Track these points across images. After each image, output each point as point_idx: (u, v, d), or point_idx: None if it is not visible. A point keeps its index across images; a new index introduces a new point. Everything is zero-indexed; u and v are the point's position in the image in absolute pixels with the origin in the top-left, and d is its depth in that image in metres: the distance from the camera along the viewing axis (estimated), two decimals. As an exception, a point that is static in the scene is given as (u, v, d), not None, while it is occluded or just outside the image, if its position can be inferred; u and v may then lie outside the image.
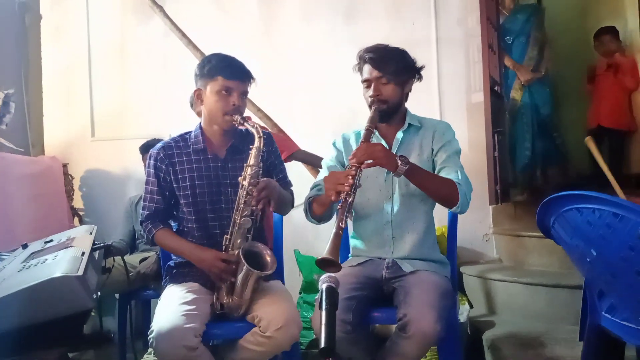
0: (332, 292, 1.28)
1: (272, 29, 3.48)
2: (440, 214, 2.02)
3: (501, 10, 3.61)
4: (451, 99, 3.29)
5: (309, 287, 3.03)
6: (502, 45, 3.53)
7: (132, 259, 2.64)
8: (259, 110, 3.06)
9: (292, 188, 2.07)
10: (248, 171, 1.79)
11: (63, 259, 1.27)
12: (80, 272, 1.15)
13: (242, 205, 1.78)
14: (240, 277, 1.74)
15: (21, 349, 1.14)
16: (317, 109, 3.38)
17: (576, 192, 1.51)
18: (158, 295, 2.22)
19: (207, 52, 3.03)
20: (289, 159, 2.59)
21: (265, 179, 1.80)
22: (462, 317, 2.55)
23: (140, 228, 2.82)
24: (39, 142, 3.49)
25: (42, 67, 3.56)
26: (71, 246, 1.40)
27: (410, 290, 1.71)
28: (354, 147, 1.96)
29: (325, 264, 1.45)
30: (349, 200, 1.61)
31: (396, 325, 1.67)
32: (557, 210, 1.59)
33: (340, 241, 1.53)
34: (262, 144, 1.81)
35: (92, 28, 3.58)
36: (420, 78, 1.96)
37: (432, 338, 1.59)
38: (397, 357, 1.65)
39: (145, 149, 2.87)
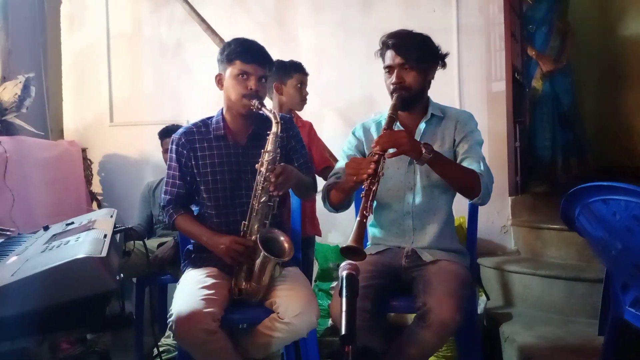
0: (352, 280, 1.27)
1: (287, 17, 3.45)
2: (459, 205, 2.00)
3: (525, -1, 3.54)
4: (471, 87, 3.25)
5: (324, 275, 3.04)
6: (524, 35, 3.47)
7: (150, 243, 2.66)
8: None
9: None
10: (265, 157, 1.78)
11: (85, 240, 1.27)
12: (104, 254, 1.15)
13: (259, 192, 1.78)
14: (257, 263, 1.74)
15: (44, 328, 1.15)
16: (331, 98, 3.35)
17: (603, 183, 1.48)
18: (175, 280, 2.24)
19: (224, 39, 3.04)
20: (324, 171, 2.58)
21: (281, 164, 1.79)
22: (479, 309, 2.54)
23: (157, 213, 2.86)
24: (58, 126, 3.52)
25: (61, 52, 3.58)
26: (93, 228, 1.41)
27: (430, 279, 1.70)
28: (375, 136, 1.94)
29: (349, 252, 1.44)
30: (373, 189, 1.59)
31: (415, 314, 1.66)
32: (582, 201, 1.57)
33: (365, 229, 1.52)
34: (279, 130, 1.79)
35: (111, 13, 3.58)
36: (444, 65, 1.92)
37: (451, 327, 1.58)
38: (416, 346, 1.64)
39: (163, 134, 2.88)
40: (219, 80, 1.90)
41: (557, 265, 2.74)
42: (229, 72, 1.85)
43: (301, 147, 2.00)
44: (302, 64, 2.56)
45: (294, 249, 1.78)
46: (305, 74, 2.56)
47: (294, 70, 2.51)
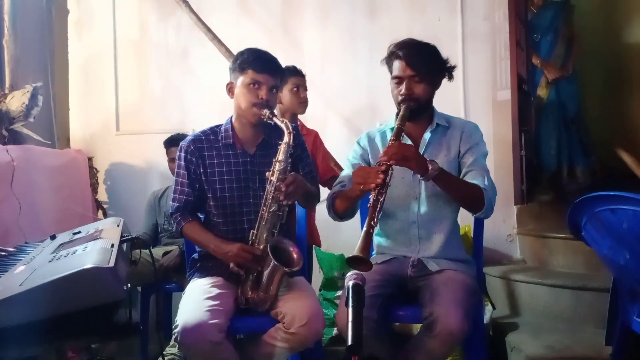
0: (359, 290, 1.27)
1: (293, 25, 3.47)
2: (464, 213, 2.00)
3: (529, 7, 3.55)
4: (476, 95, 3.24)
5: (329, 284, 3.03)
6: (529, 43, 3.47)
7: (155, 252, 2.66)
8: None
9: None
10: (276, 167, 1.78)
11: (93, 250, 1.28)
12: (112, 264, 1.15)
13: (269, 201, 1.78)
14: (266, 272, 1.74)
15: (52, 337, 1.15)
16: (336, 104, 3.36)
17: (610, 193, 1.48)
18: (180, 289, 2.24)
19: (230, 49, 3.06)
20: (329, 181, 2.57)
21: (292, 173, 1.79)
22: (485, 318, 2.52)
23: (163, 222, 2.87)
24: (65, 135, 3.54)
25: (68, 61, 3.60)
26: (100, 238, 1.41)
27: (437, 288, 1.69)
28: (380, 146, 1.95)
29: (356, 262, 1.43)
30: (381, 199, 1.59)
31: (422, 324, 1.66)
32: (589, 210, 1.56)
33: (371, 240, 1.51)
34: (291, 140, 1.80)
35: (118, 22, 3.60)
36: (451, 78, 1.93)
37: (459, 336, 1.57)
38: (423, 355, 1.63)
39: (169, 143, 2.89)
40: (230, 89, 1.91)
41: (563, 274, 2.72)
42: (241, 80, 1.85)
43: (306, 156, 2.01)
44: (296, 67, 2.52)
45: (302, 259, 1.78)
46: (301, 76, 2.53)
47: (289, 74, 2.48)
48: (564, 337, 2.38)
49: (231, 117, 1.95)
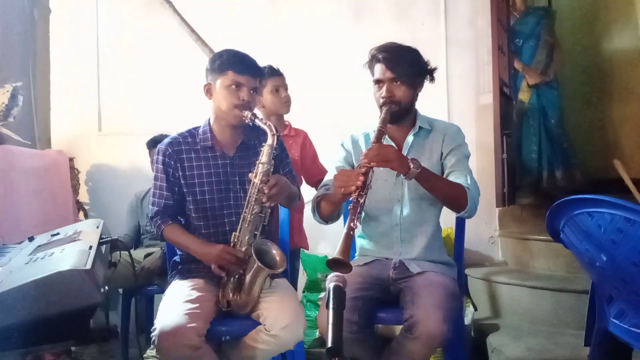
0: (339, 292, 1.27)
1: (278, 28, 3.47)
2: (446, 216, 2.01)
3: (512, 12, 3.59)
4: (460, 100, 3.28)
5: (313, 285, 3.03)
6: (511, 48, 3.52)
7: (137, 254, 2.64)
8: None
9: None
10: (260, 168, 1.77)
11: (71, 252, 1.26)
12: (89, 266, 1.14)
13: (252, 203, 1.77)
14: (249, 275, 1.73)
15: (28, 342, 1.14)
16: (321, 109, 3.37)
17: (588, 196, 1.50)
18: (162, 291, 2.22)
19: (214, 50, 3.05)
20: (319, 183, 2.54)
21: (275, 175, 1.78)
22: (467, 320, 2.54)
23: (145, 223, 2.85)
24: (46, 135, 3.49)
25: (50, 61, 3.56)
26: (78, 240, 1.40)
27: (418, 291, 1.70)
28: (363, 148, 1.95)
29: (335, 265, 1.43)
30: (361, 201, 1.59)
31: (402, 326, 1.66)
32: (567, 213, 1.58)
33: (351, 242, 1.51)
34: (274, 142, 1.78)
35: (101, 23, 3.57)
36: (432, 80, 1.94)
37: (438, 339, 1.58)
38: (403, 358, 1.64)
39: (151, 144, 2.87)
40: (208, 90, 1.88)
41: (544, 276, 2.76)
42: (220, 82, 1.83)
43: (285, 156, 2.00)
44: (273, 66, 2.48)
45: (286, 261, 1.77)
46: (279, 76, 2.48)
47: (267, 76, 2.43)
48: (545, 339, 2.40)
49: (209, 119, 1.93)
